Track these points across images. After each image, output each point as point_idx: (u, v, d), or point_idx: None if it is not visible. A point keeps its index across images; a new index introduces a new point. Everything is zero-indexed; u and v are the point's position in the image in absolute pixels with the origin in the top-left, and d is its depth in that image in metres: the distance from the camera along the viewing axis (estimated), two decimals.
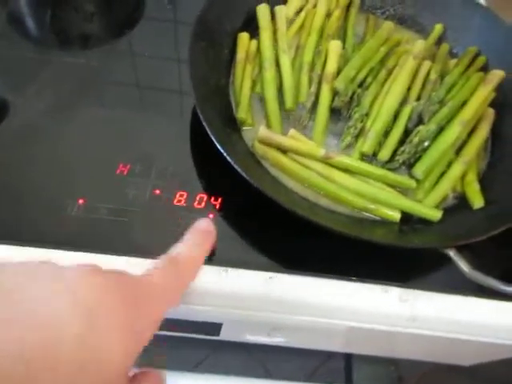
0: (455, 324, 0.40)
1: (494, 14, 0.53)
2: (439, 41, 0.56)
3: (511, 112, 0.49)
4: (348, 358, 0.59)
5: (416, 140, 0.45)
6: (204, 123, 0.40)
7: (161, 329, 0.49)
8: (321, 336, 0.46)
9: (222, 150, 0.38)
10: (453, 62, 0.54)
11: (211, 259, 0.39)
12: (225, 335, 0.50)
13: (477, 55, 0.53)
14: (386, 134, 0.46)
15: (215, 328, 0.47)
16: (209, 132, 0.39)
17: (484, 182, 0.46)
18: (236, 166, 0.38)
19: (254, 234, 0.42)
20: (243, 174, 0.37)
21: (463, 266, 0.36)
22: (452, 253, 0.37)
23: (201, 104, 0.41)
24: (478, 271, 0.35)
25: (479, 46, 0.54)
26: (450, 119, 0.47)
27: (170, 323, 0.46)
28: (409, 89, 0.49)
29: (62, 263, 0.25)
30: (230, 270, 0.40)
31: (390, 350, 0.50)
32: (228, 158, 0.38)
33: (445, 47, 0.54)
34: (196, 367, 0.75)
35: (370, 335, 0.42)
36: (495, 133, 0.49)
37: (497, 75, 0.50)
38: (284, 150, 0.44)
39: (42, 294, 0.22)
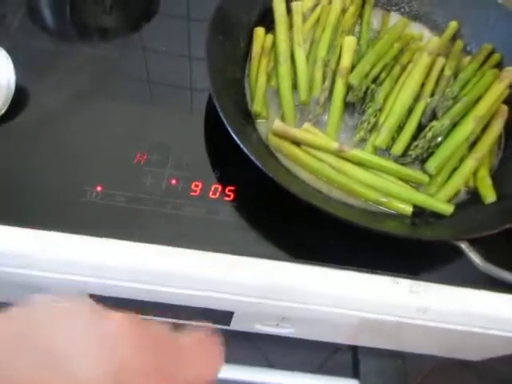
0: (465, 316, 0.40)
1: (510, 10, 0.53)
2: (454, 38, 0.56)
3: None
4: (355, 352, 0.60)
5: (430, 135, 0.45)
6: (221, 114, 0.40)
7: (173, 316, 0.50)
8: (330, 327, 0.47)
9: (238, 141, 0.39)
10: (467, 59, 0.54)
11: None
12: (235, 325, 0.51)
13: (492, 52, 0.53)
14: (400, 128, 0.47)
15: (227, 316, 0.48)
16: (225, 123, 0.40)
17: (496, 177, 0.46)
18: (251, 157, 0.38)
19: (268, 225, 0.43)
20: (258, 165, 0.38)
21: (476, 258, 0.36)
22: (464, 246, 0.37)
23: (217, 96, 0.41)
24: (490, 264, 0.36)
25: (494, 43, 0.54)
26: (463, 115, 0.47)
27: (181, 310, 0.47)
28: (423, 85, 0.49)
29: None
30: (242, 258, 0.41)
31: (399, 343, 0.50)
32: (244, 148, 0.39)
33: (459, 44, 0.55)
34: None
35: (379, 326, 0.43)
36: (508, 129, 0.49)
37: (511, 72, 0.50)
38: (298, 143, 0.45)
39: (78, 347, 0.21)
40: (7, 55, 0.46)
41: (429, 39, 0.53)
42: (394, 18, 0.58)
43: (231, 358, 0.64)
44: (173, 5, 0.60)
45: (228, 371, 0.55)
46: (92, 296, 0.46)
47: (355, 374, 0.59)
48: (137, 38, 0.56)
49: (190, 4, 0.60)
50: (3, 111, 0.45)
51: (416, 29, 0.58)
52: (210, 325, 0.34)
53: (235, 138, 0.39)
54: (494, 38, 0.54)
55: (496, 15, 0.55)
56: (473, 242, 0.39)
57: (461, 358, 0.54)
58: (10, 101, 0.45)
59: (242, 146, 0.39)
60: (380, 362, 0.58)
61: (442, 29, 0.57)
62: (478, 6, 0.56)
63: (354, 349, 0.60)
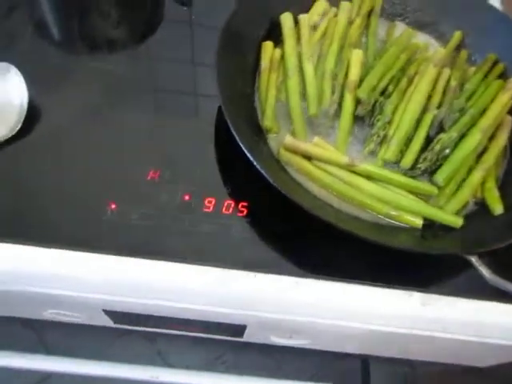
0: (476, 327, 0.41)
1: None
2: (458, 47, 0.57)
3: None
4: (365, 359, 0.61)
5: (438, 148, 0.46)
6: (233, 131, 0.41)
7: (187, 330, 0.51)
8: (343, 339, 0.47)
9: (251, 158, 0.40)
10: (472, 69, 0.54)
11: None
12: (248, 337, 0.52)
13: (496, 62, 0.54)
14: (408, 141, 0.47)
15: (239, 330, 0.49)
16: (238, 139, 0.41)
17: (502, 188, 0.47)
18: (264, 173, 0.39)
19: (281, 240, 0.44)
20: (270, 181, 0.39)
21: (484, 271, 0.37)
22: (474, 259, 0.38)
23: (228, 112, 0.42)
24: (498, 276, 0.36)
25: (498, 53, 0.54)
26: (470, 127, 0.47)
27: (196, 324, 0.47)
28: (430, 96, 0.50)
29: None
30: (256, 274, 0.41)
31: (410, 353, 0.51)
32: (257, 165, 0.39)
33: (464, 54, 0.55)
34: (212, 365, 0.77)
35: (392, 338, 0.43)
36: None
37: None
38: (308, 157, 0.45)
39: None
40: (19, 73, 0.47)
41: (434, 50, 0.54)
42: (400, 28, 0.59)
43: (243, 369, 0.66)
44: (176, 13, 0.61)
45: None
46: (108, 312, 0.47)
47: (364, 381, 0.60)
48: (143, 50, 0.57)
49: (194, 13, 0.61)
50: (17, 129, 0.45)
51: (422, 38, 0.58)
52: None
53: (248, 154, 0.40)
54: (498, 48, 0.54)
55: (499, 25, 0.55)
56: (482, 254, 0.39)
57: (468, 365, 0.55)
58: (23, 119, 0.46)
59: (254, 162, 0.40)
60: (389, 368, 0.59)
61: (447, 39, 0.57)
62: (481, 16, 0.56)
63: (363, 356, 0.61)
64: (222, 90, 0.43)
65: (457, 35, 0.56)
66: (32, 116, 0.47)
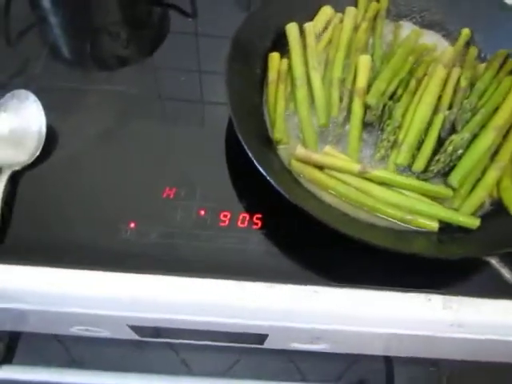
0: (499, 327, 0.41)
1: None
2: (467, 45, 0.56)
3: None
4: (388, 359, 0.60)
5: (450, 149, 0.46)
6: (243, 144, 0.42)
7: (208, 339, 0.52)
8: (365, 343, 0.48)
9: (262, 170, 0.40)
10: (482, 65, 0.54)
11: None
12: (269, 344, 0.52)
13: (506, 58, 0.54)
14: (419, 144, 0.47)
15: (261, 338, 0.50)
16: (249, 153, 0.41)
17: None
18: (277, 186, 0.40)
19: (297, 250, 0.44)
20: (284, 193, 0.39)
21: (505, 272, 0.37)
22: (494, 260, 0.38)
23: (239, 125, 0.43)
24: None
25: (508, 49, 0.54)
26: (483, 126, 0.47)
27: (218, 335, 0.48)
28: (440, 97, 0.50)
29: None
30: (275, 285, 0.42)
31: (434, 353, 0.51)
32: (269, 179, 0.40)
33: (473, 51, 0.55)
34: (229, 370, 0.78)
35: (414, 341, 0.43)
36: None
37: None
38: (320, 167, 0.46)
39: None
40: (37, 100, 0.48)
41: (442, 50, 0.54)
42: (407, 27, 0.59)
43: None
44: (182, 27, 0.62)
45: None
46: (132, 327, 0.48)
47: (389, 381, 0.60)
48: (152, 66, 0.58)
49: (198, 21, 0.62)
50: (36, 155, 0.47)
51: (429, 37, 0.58)
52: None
53: (260, 168, 0.41)
54: (508, 44, 0.54)
55: (508, 19, 0.55)
56: (503, 255, 0.39)
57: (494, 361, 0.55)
58: (42, 145, 0.47)
59: (267, 176, 0.40)
60: (413, 368, 0.58)
61: (455, 36, 0.57)
62: (489, 12, 0.56)
63: (387, 358, 0.61)
64: (232, 105, 0.44)
65: (465, 32, 0.56)
66: (50, 141, 0.48)
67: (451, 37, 0.58)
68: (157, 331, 0.50)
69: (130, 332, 0.52)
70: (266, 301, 0.42)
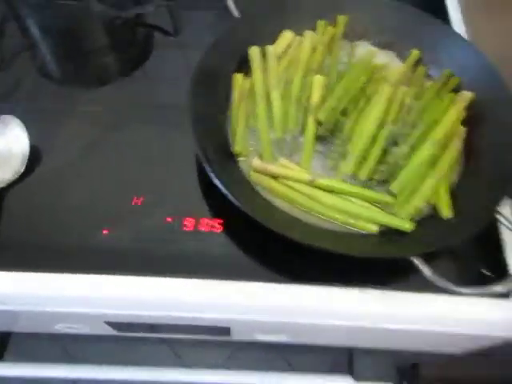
0: (423, 318, 0.46)
1: (465, 39, 0.59)
2: (418, 63, 0.62)
3: (480, 129, 0.54)
4: (350, 350, 0.65)
5: (391, 160, 0.51)
6: (202, 159, 0.47)
7: (177, 333, 0.57)
8: (316, 334, 0.53)
9: (217, 183, 0.46)
10: (429, 83, 0.59)
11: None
12: (235, 336, 0.57)
13: (451, 76, 0.59)
14: (366, 155, 0.53)
15: (225, 331, 0.55)
16: (205, 166, 0.47)
17: (456, 193, 0.51)
18: (229, 195, 0.45)
19: (255, 251, 0.50)
20: (235, 202, 0.45)
21: (425, 270, 0.42)
22: (417, 260, 0.43)
23: (200, 143, 0.48)
24: (437, 275, 0.41)
25: (453, 69, 0.59)
26: (422, 139, 0.52)
27: (187, 328, 0.53)
28: (387, 113, 0.55)
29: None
30: (234, 282, 0.47)
31: (373, 343, 0.56)
32: (223, 189, 0.45)
33: (421, 70, 0.60)
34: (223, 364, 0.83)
35: (354, 331, 0.49)
36: (467, 147, 0.55)
37: (466, 96, 0.55)
38: (276, 177, 0.51)
39: None
40: (21, 124, 0.53)
41: (391, 69, 0.59)
42: (364, 47, 0.64)
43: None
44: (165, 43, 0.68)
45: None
46: (108, 322, 0.54)
47: (350, 370, 0.65)
48: (134, 86, 0.64)
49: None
50: (20, 173, 0.52)
51: (384, 56, 0.63)
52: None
53: (215, 179, 0.46)
54: (453, 64, 0.59)
55: (454, 43, 0.60)
56: (428, 255, 0.44)
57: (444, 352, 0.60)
58: (25, 164, 0.52)
59: (220, 186, 0.46)
60: (373, 358, 0.63)
61: (407, 56, 0.62)
62: (438, 36, 0.61)
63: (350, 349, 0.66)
64: (194, 124, 0.49)
65: (414, 53, 0.61)
66: (33, 160, 0.54)
67: (404, 56, 0.63)
68: (130, 326, 0.55)
69: (107, 328, 0.57)
70: (226, 297, 0.47)
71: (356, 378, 0.62)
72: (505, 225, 0.46)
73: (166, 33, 0.72)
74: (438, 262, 0.45)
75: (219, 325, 0.52)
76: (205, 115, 0.52)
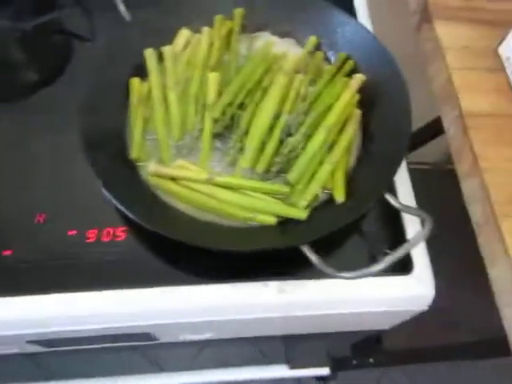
0: (322, 303, 0.47)
1: (362, 24, 0.60)
2: (318, 48, 0.62)
3: (374, 111, 0.55)
4: (285, 338, 0.67)
5: (286, 151, 0.52)
6: (93, 171, 0.47)
7: (105, 342, 0.57)
8: (235, 328, 0.54)
9: (107, 193, 0.46)
10: (328, 67, 0.60)
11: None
12: (161, 339, 0.58)
13: (347, 59, 0.60)
14: (264, 147, 0.53)
15: (147, 336, 0.55)
16: (96, 176, 0.47)
17: (352, 177, 0.52)
18: (120, 206, 0.45)
19: (158, 255, 0.50)
20: (125, 211, 0.45)
21: (312, 258, 0.43)
22: (305, 248, 0.44)
23: (89, 151, 0.48)
24: (321, 261, 0.42)
25: (350, 53, 0.60)
26: (316, 127, 0.53)
27: (109, 338, 0.54)
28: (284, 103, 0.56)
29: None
30: (138, 290, 0.48)
31: (284, 330, 0.58)
32: (113, 199, 0.46)
33: (319, 56, 0.61)
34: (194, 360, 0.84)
35: (264, 322, 0.50)
36: (364, 130, 0.56)
37: (358, 79, 0.56)
38: (175, 179, 0.51)
39: None
40: None
41: (288, 58, 0.60)
42: (265, 38, 0.64)
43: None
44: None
45: None
46: (31, 341, 0.54)
47: (286, 359, 0.66)
48: (51, 92, 0.63)
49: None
50: None
51: (285, 45, 0.64)
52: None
53: (106, 190, 0.46)
54: (349, 48, 0.60)
55: (346, 26, 0.61)
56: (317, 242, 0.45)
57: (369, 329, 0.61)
58: None
59: (111, 196, 0.46)
60: (305, 344, 0.65)
61: (306, 43, 0.63)
62: (333, 22, 0.62)
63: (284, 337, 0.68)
64: (84, 136, 0.49)
65: (311, 40, 0.62)
66: None
67: (303, 43, 0.63)
68: (56, 342, 0.56)
69: (33, 346, 0.57)
70: (138, 304, 0.48)
71: (292, 366, 0.64)
72: (394, 205, 0.47)
73: (82, 39, 0.71)
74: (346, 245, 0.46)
75: (139, 331, 0.53)
76: (100, 124, 0.52)
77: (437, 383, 1.12)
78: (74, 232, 0.51)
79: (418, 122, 0.89)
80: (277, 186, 0.51)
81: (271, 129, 0.54)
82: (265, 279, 0.48)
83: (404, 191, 0.54)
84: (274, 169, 0.52)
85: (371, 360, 0.85)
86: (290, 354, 0.65)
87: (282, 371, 0.64)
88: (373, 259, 0.49)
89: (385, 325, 0.58)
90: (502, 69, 0.56)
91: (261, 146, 0.53)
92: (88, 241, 0.50)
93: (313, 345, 0.64)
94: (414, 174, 0.58)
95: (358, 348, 0.84)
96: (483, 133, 0.50)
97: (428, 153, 0.94)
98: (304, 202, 0.50)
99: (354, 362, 0.83)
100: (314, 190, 0.51)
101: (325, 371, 0.63)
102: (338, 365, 0.70)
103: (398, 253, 0.41)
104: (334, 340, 0.67)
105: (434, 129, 0.80)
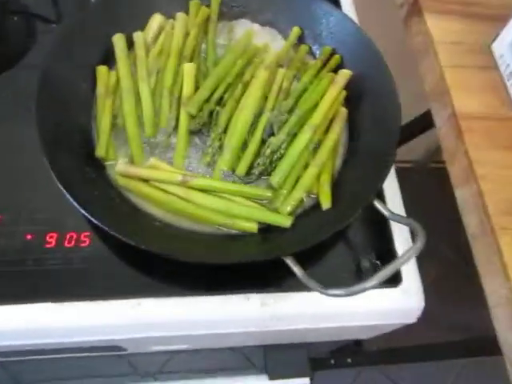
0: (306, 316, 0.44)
1: (348, 16, 0.56)
2: (301, 40, 0.58)
3: (360, 108, 0.52)
4: (265, 348, 0.64)
5: (268, 151, 0.47)
6: (51, 169, 0.42)
7: (73, 352, 0.53)
8: (207, 340, 0.50)
9: (69, 196, 0.41)
10: (313, 62, 0.56)
11: None
12: (131, 350, 0.54)
13: (332, 53, 0.56)
14: (245, 148, 0.49)
15: (116, 347, 0.51)
16: (56, 179, 0.42)
17: (339, 180, 0.49)
18: (82, 210, 0.40)
19: (124, 263, 0.45)
20: (89, 217, 0.40)
21: (296, 270, 0.39)
22: (288, 260, 0.40)
23: (49, 152, 0.43)
24: (306, 275, 0.39)
25: (335, 46, 0.56)
26: (300, 126, 0.49)
27: (75, 349, 0.49)
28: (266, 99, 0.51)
29: None
30: (105, 302, 0.43)
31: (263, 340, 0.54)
32: (74, 203, 0.41)
33: (304, 49, 0.57)
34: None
35: (246, 336, 0.46)
36: (351, 129, 0.52)
37: (345, 74, 0.52)
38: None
39: None
40: None
41: (270, 50, 0.55)
42: (244, 25, 0.60)
43: None
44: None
45: None
46: None
47: (266, 369, 0.63)
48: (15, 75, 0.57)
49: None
50: None
51: (267, 35, 0.59)
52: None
53: (65, 191, 0.41)
54: (334, 41, 0.56)
55: (332, 18, 0.56)
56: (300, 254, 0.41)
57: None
58: None
59: (72, 200, 0.41)
60: (285, 353, 0.62)
61: (289, 34, 0.58)
62: (316, 12, 0.57)
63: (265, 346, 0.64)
64: (42, 133, 0.44)
65: (295, 31, 0.58)
66: None
67: (286, 34, 0.59)
68: (9, 354, 0.51)
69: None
70: (91, 319, 0.43)
71: (271, 377, 0.61)
72: (383, 213, 0.44)
73: (47, 20, 0.64)
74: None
75: (106, 344, 0.48)
76: (60, 119, 0.47)
77: (415, 381, 1.12)
78: (32, 235, 0.46)
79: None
80: (258, 190, 0.47)
81: (252, 127, 0.50)
82: (246, 291, 0.44)
83: (391, 193, 0.52)
84: (255, 171, 0.48)
85: (349, 360, 0.84)
86: (269, 365, 0.62)
87: (261, 381, 0.61)
88: (360, 269, 0.46)
89: (371, 334, 0.56)
90: (495, 66, 0.53)
91: (241, 146, 0.49)
92: (47, 245, 0.45)
93: (293, 354, 0.61)
94: (396, 173, 0.55)
95: (336, 350, 0.82)
96: (477, 136, 0.47)
97: (410, 150, 0.92)
98: (288, 208, 0.46)
99: (332, 361, 0.81)
100: (299, 194, 0.47)
101: (305, 382, 0.60)
102: (316, 365, 0.67)
103: (389, 269, 0.37)
104: (315, 346, 0.64)
105: (419, 126, 0.77)
